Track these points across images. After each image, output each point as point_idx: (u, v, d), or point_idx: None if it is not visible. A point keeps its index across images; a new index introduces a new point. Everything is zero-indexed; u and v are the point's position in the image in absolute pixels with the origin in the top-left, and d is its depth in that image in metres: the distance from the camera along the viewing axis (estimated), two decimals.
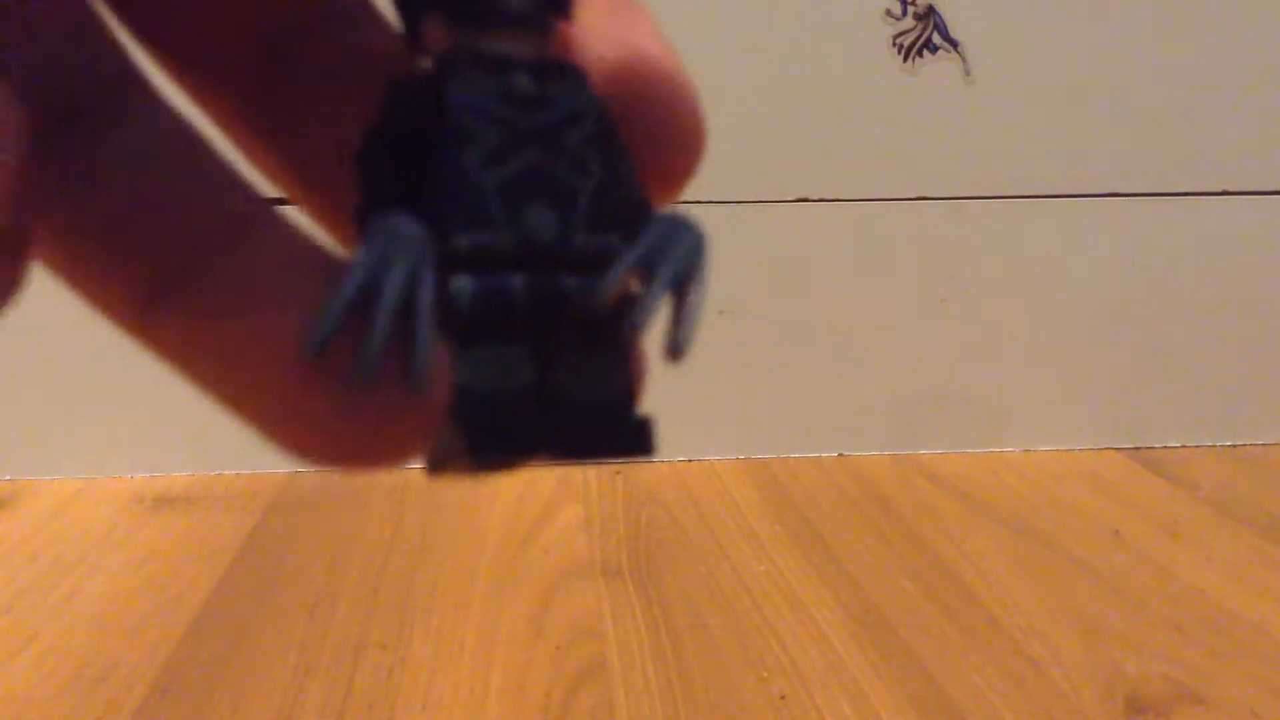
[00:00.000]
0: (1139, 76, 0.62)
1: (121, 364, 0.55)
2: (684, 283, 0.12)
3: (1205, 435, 0.68)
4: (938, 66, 0.61)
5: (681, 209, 0.13)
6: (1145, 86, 0.63)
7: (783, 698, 0.41)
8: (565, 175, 0.12)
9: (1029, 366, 0.66)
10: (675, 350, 0.12)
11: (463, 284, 0.12)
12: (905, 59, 0.61)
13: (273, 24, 0.13)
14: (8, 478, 0.63)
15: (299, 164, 0.14)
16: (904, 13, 0.60)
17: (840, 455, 0.66)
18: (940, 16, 0.60)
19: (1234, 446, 0.68)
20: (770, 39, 0.60)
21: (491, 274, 0.12)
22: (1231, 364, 0.67)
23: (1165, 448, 0.68)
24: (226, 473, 0.64)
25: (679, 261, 0.12)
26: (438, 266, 0.12)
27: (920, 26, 0.60)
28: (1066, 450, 0.67)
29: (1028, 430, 0.67)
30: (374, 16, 0.14)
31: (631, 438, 0.13)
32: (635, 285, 0.12)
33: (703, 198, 0.60)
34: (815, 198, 0.63)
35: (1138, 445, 0.68)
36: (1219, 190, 0.64)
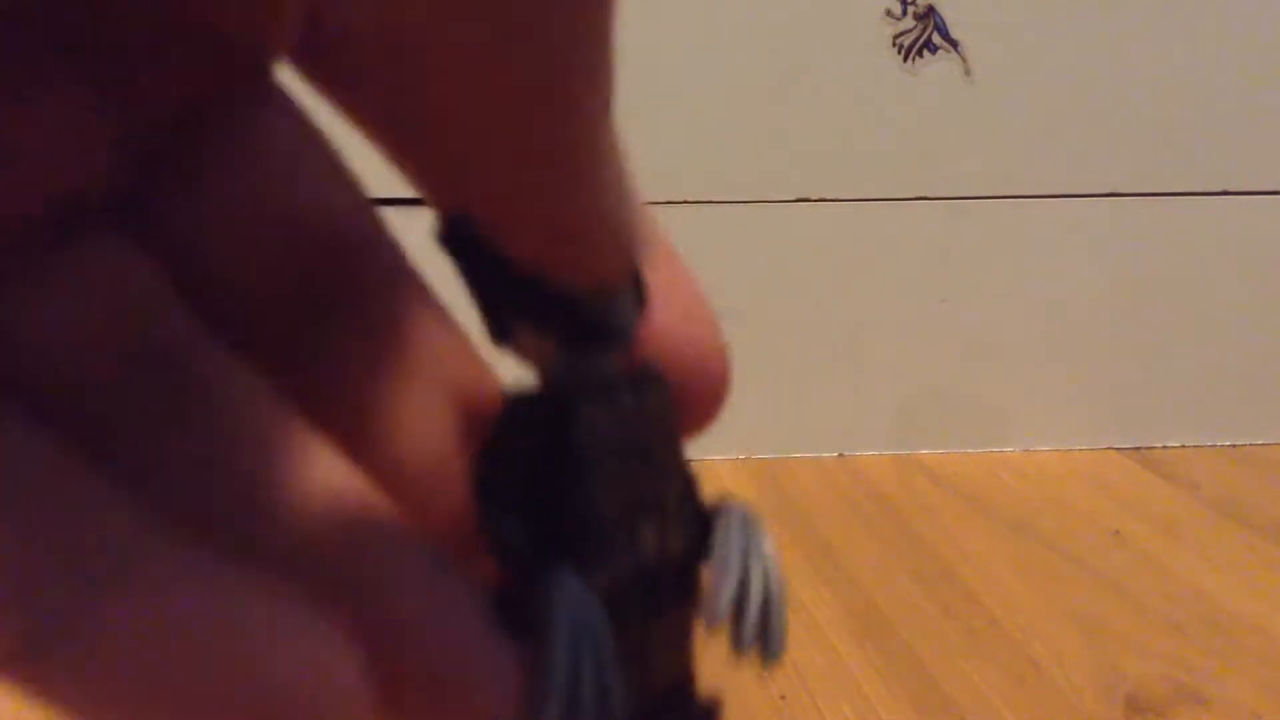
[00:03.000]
0: (1139, 76, 0.62)
1: None
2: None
3: (1205, 435, 0.68)
4: (938, 66, 0.61)
5: (738, 504, 0.13)
6: (1145, 86, 0.63)
7: (783, 698, 0.40)
8: (660, 485, 0.12)
9: (1029, 366, 0.66)
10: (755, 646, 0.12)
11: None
12: (905, 59, 0.61)
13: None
14: None
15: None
16: (904, 13, 0.60)
17: (840, 455, 0.66)
18: (940, 16, 0.60)
19: (1234, 446, 0.68)
20: (770, 39, 0.60)
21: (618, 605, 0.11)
22: (1231, 364, 0.67)
23: (1165, 448, 0.68)
24: None
25: (751, 568, 0.12)
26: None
27: (920, 26, 0.60)
28: (1066, 450, 0.67)
29: (1028, 430, 0.67)
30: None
31: None
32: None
33: (703, 197, 0.60)
34: (815, 198, 0.62)
35: (1138, 445, 0.68)
36: (1219, 190, 0.64)
